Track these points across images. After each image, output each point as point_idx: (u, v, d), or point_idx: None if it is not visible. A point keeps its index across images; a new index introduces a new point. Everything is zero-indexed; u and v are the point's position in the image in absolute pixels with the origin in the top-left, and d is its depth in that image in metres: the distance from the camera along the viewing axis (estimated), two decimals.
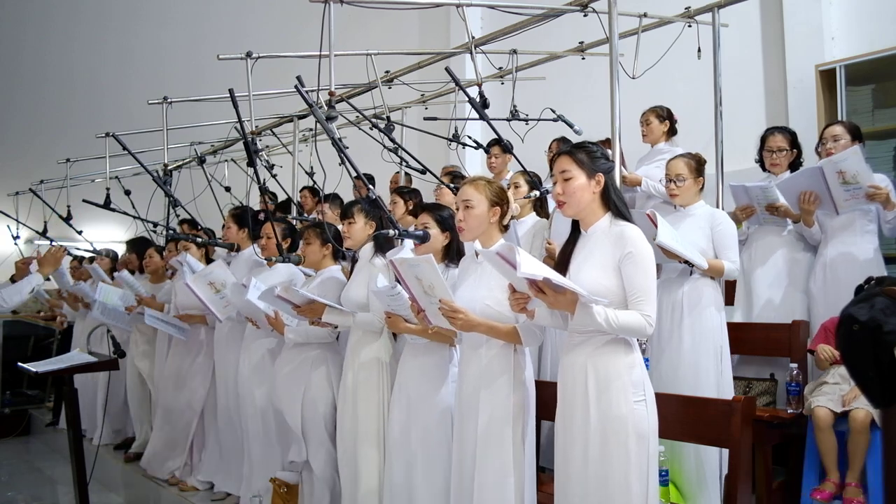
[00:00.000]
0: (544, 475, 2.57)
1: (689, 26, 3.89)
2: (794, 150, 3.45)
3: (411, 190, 3.89)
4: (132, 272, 5.31)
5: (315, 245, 3.27)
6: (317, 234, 3.28)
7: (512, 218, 2.51)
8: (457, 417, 2.46)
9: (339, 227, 3.28)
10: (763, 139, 3.51)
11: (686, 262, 2.93)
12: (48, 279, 6.21)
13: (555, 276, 1.92)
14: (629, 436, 1.98)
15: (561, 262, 2.18)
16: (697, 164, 3.12)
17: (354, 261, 3.18)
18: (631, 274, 2.01)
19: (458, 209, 2.44)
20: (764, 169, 3.56)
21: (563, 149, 2.21)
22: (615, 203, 2.12)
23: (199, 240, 4.34)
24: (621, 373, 2.02)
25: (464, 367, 2.43)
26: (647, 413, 2.03)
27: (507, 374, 2.30)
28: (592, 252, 2.09)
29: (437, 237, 2.71)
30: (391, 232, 2.61)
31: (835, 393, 2.79)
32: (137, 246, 5.17)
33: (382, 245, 3.00)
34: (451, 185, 3.49)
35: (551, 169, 2.26)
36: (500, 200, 2.42)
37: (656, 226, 2.77)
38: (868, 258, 3.16)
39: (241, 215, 4.07)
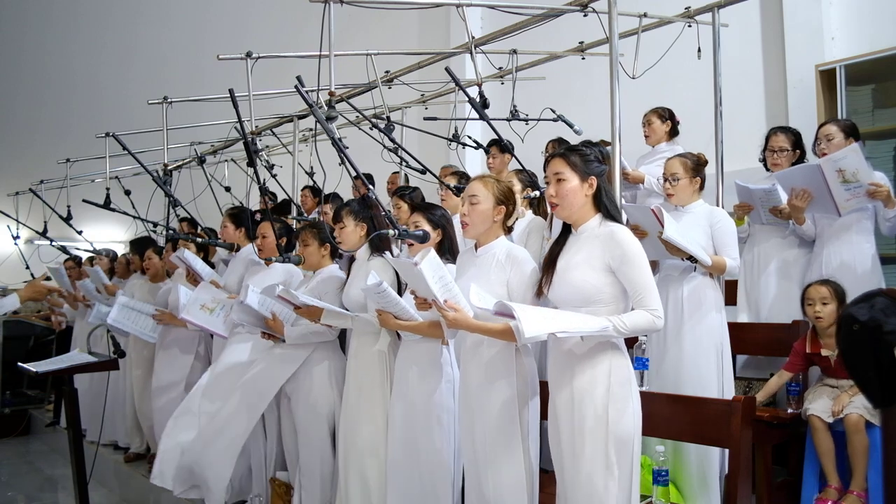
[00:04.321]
0: (548, 476, 2.57)
1: (689, 26, 3.89)
2: (797, 151, 3.45)
3: (412, 189, 3.89)
4: (133, 273, 5.32)
5: (313, 246, 3.27)
6: (313, 235, 3.27)
7: (516, 219, 2.52)
8: (461, 417, 2.46)
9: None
10: (767, 139, 3.52)
11: (689, 258, 2.93)
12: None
13: (559, 330, 1.91)
14: (611, 437, 1.99)
15: (549, 261, 2.20)
16: (695, 164, 3.12)
17: (352, 260, 3.18)
18: (628, 273, 2.03)
19: (463, 204, 2.44)
20: (767, 168, 3.57)
21: (556, 151, 2.23)
22: (606, 206, 2.15)
23: (198, 240, 4.34)
24: (607, 374, 2.03)
25: (465, 366, 2.43)
26: (631, 415, 2.03)
27: (510, 372, 2.30)
28: (580, 251, 2.11)
29: (430, 235, 2.71)
30: (391, 232, 2.61)
31: (830, 397, 2.80)
32: (139, 246, 5.17)
33: (378, 245, 3.00)
34: (454, 187, 3.49)
35: (545, 169, 2.28)
36: (506, 200, 2.43)
37: (661, 222, 2.77)
38: (865, 257, 3.16)
39: (238, 215, 4.07)
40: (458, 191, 3.41)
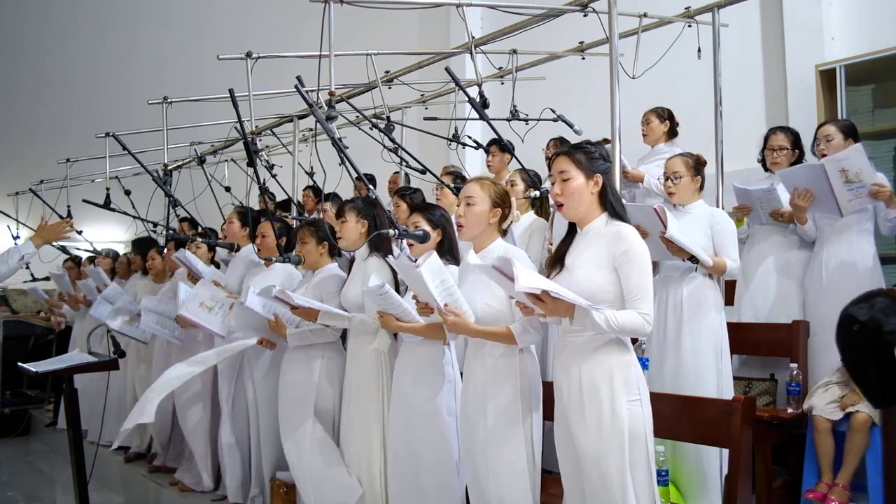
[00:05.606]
0: (550, 477, 2.57)
1: (689, 26, 3.89)
2: (796, 151, 3.46)
3: (413, 190, 3.89)
4: (134, 273, 5.33)
5: (311, 244, 3.27)
6: (311, 233, 3.27)
7: (511, 222, 2.52)
8: (462, 419, 2.46)
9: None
10: (766, 138, 3.52)
11: (690, 258, 2.93)
12: (54, 284, 6.23)
13: (552, 288, 1.92)
14: (624, 435, 1.97)
15: (556, 260, 2.19)
16: (696, 164, 3.13)
17: (352, 261, 3.17)
18: (628, 273, 2.01)
19: (459, 205, 2.44)
20: (765, 168, 3.57)
21: (561, 150, 2.21)
22: (612, 203, 2.14)
23: (199, 240, 4.34)
24: (615, 372, 2.02)
25: (468, 368, 2.43)
26: (642, 412, 2.03)
27: (513, 375, 2.29)
28: (587, 250, 2.09)
29: (430, 236, 2.71)
30: (391, 232, 2.61)
31: (835, 396, 2.80)
32: (141, 246, 5.17)
33: (378, 245, 3.00)
34: (452, 186, 3.49)
35: (549, 168, 2.27)
36: (502, 202, 2.43)
37: (663, 221, 2.77)
38: (865, 258, 3.16)
39: (246, 213, 4.07)
40: (457, 190, 3.41)
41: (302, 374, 3.20)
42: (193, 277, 4.11)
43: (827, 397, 2.82)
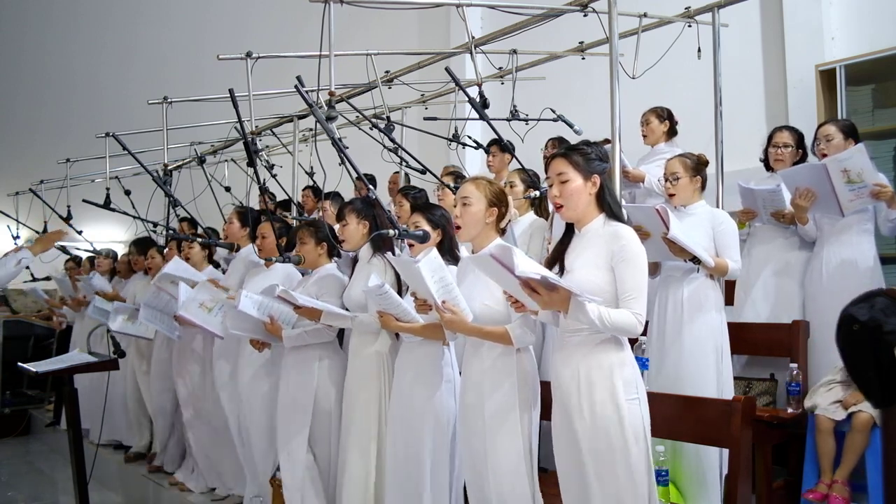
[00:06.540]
0: (546, 476, 2.57)
1: (689, 26, 3.89)
2: (800, 150, 3.46)
3: (418, 189, 3.89)
4: (135, 273, 5.33)
5: (310, 244, 3.27)
6: (310, 234, 3.27)
7: (509, 221, 2.52)
8: (461, 418, 2.46)
9: (336, 227, 3.27)
10: (770, 136, 3.52)
11: (692, 259, 2.93)
12: (58, 282, 6.23)
13: (550, 275, 1.93)
14: (624, 434, 1.98)
15: (553, 260, 2.19)
16: (695, 164, 3.12)
17: (356, 261, 3.18)
18: (623, 273, 2.02)
19: (456, 206, 2.44)
20: (767, 167, 3.56)
21: (558, 151, 2.21)
22: (609, 204, 2.14)
23: (199, 240, 4.34)
24: (613, 371, 2.02)
25: (466, 368, 2.43)
26: (640, 411, 2.03)
27: (510, 374, 2.29)
28: (585, 250, 2.10)
29: (430, 235, 2.72)
30: (391, 232, 2.61)
31: (838, 396, 2.79)
32: (142, 246, 5.17)
33: (379, 245, 3.00)
34: (453, 186, 3.48)
35: (546, 169, 2.27)
36: (498, 202, 2.43)
37: (665, 222, 2.76)
38: (866, 258, 3.16)
39: (246, 213, 4.07)
40: (457, 190, 3.41)
41: (301, 376, 3.20)
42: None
43: (830, 397, 2.82)
